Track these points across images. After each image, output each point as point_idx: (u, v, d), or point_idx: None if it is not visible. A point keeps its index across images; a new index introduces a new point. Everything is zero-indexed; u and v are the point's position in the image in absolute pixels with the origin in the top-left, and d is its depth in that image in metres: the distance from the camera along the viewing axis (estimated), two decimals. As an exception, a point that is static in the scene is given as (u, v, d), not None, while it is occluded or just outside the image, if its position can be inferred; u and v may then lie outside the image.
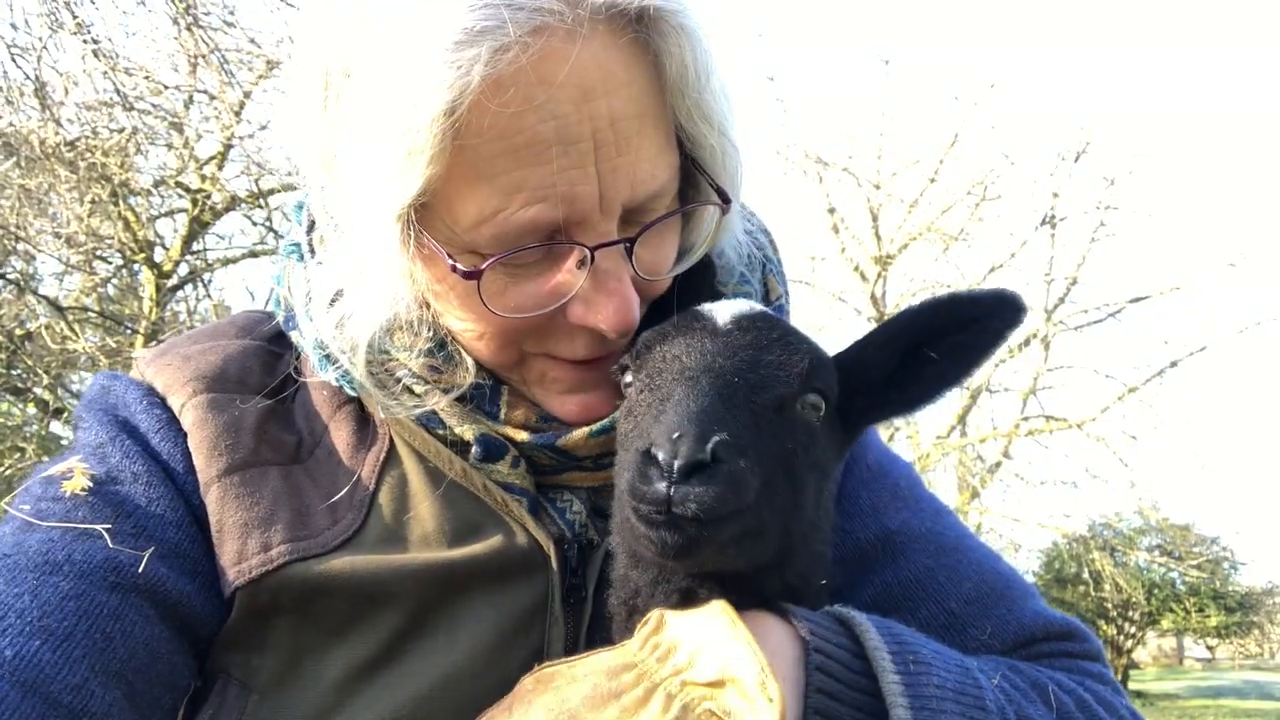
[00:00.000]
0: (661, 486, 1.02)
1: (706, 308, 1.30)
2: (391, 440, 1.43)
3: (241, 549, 1.30)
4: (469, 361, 1.41)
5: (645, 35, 1.24)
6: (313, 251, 1.48)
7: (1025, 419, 19.59)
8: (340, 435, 1.44)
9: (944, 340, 1.27)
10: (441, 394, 1.39)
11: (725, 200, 1.40)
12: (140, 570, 1.23)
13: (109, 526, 1.24)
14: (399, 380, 1.40)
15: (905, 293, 19.67)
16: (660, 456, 1.03)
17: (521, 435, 1.41)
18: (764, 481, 1.09)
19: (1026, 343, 18.99)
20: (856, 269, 18.88)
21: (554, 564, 1.38)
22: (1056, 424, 19.18)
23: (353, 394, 1.46)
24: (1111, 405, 18.57)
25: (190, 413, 1.38)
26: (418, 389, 1.40)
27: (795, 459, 1.17)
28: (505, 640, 1.33)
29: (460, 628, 1.32)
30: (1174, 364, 18.12)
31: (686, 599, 1.17)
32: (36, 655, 1.10)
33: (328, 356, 1.41)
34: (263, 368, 1.50)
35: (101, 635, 1.16)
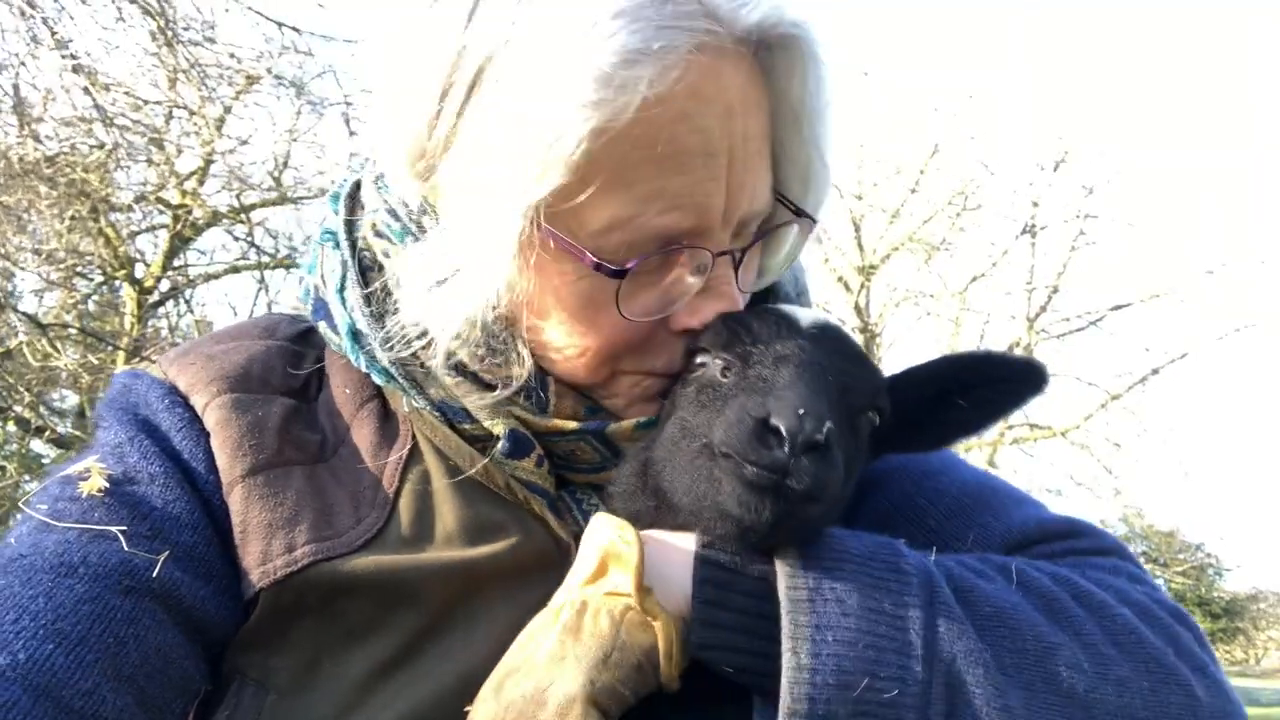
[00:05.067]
0: (781, 454, 1.05)
1: (782, 307, 1.37)
2: (414, 438, 1.42)
3: (266, 550, 1.28)
4: (525, 356, 1.40)
5: (775, 59, 1.30)
6: (352, 244, 1.48)
7: (1010, 427, 19.68)
8: (363, 433, 1.42)
9: (973, 392, 1.36)
10: (485, 389, 1.39)
11: (812, 221, 1.45)
12: (155, 574, 1.21)
13: (124, 528, 1.22)
14: (427, 371, 1.39)
15: (888, 303, 19.77)
16: (784, 427, 1.06)
17: (571, 425, 1.41)
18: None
19: (1009, 351, 19.10)
20: (840, 279, 18.96)
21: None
22: (1041, 432, 19.27)
23: (378, 385, 1.46)
24: (1094, 413, 18.68)
25: (214, 413, 1.37)
26: (448, 379, 1.39)
27: (856, 462, 1.25)
28: None
29: (478, 626, 1.31)
30: (1155, 371, 18.26)
31: None
32: (49, 659, 1.08)
33: (358, 342, 1.41)
34: (286, 368, 1.49)
35: (114, 639, 1.14)
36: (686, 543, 1.19)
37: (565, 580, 1.19)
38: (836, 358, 1.25)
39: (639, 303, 1.33)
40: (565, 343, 1.38)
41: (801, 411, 1.06)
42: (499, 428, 1.38)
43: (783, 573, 1.11)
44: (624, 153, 1.20)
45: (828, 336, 1.29)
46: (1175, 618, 1.25)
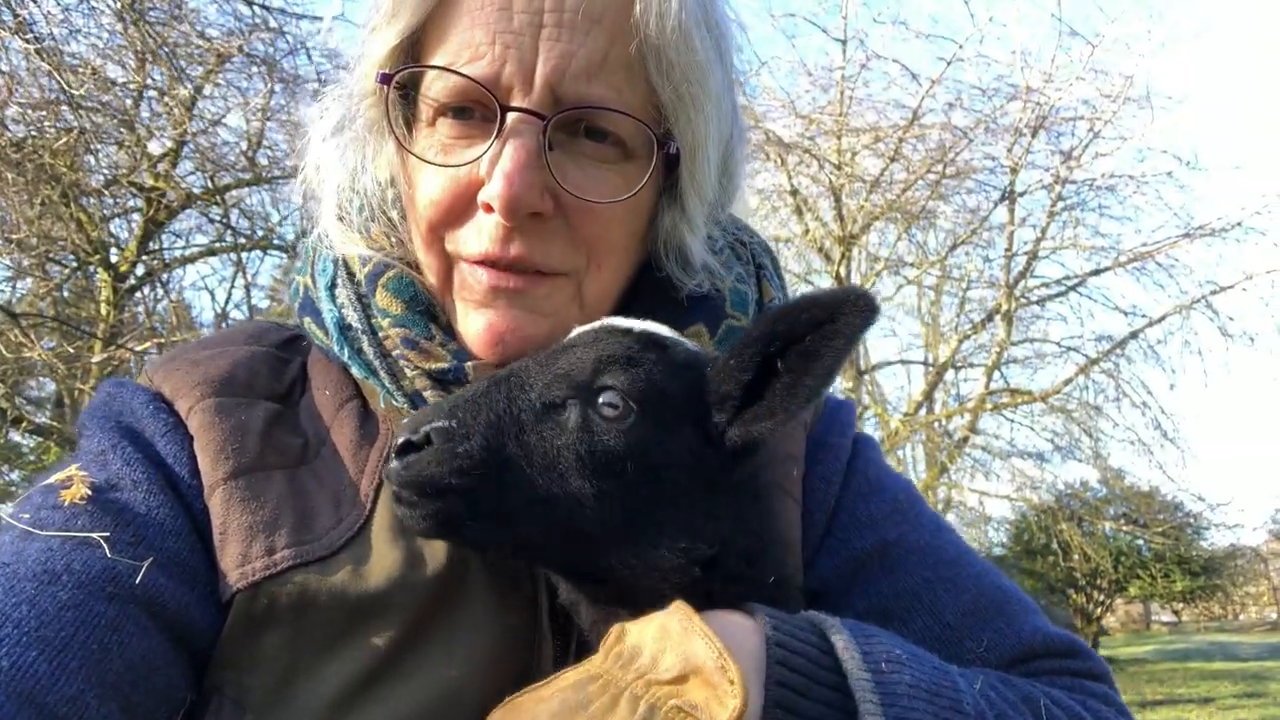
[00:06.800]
0: (391, 465, 1.21)
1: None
2: (393, 435, 1.40)
3: (245, 552, 1.27)
4: (440, 329, 1.42)
5: None
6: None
7: (990, 393, 19.81)
8: (343, 433, 1.42)
9: (792, 349, 1.21)
10: (425, 376, 1.38)
11: (660, 146, 1.39)
12: (138, 580, 1.20)
13: (107, 535, 1.21)
14: (394, 359, 1.40)
15: (869, 272, 19.80)
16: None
17: None
18: (520, 474, 1.19)
19: (990, 318, 19.19)
20: (820, 250, 18.96)
21: (543, 579, 1.35)
22: (1021, 398, 19.41)
23: (357, 385, 1.46)
24: (1075, 377, 18.81)
25: (197, 416, 1.37)
26: (409, 370, 1.39)
27: (572, 456, 1.20)
28: (499, 654, 1.31)
29: (456, 640, 1.29)
30: (1134, 335, 18.39)
31: (609, 619, 1.18)
32: (33, 666, 1.07)
33: (345, 335, 1.42)
34: (271, 373, 1.49)
35: (99, 646, 1.14)
36: (752, 638, 1.12)
37: (618, 652, 1.09)
38: (553, 355, 1.28)
39: (451, 159, 1.37)
40: (414, 227, 1.44)
41: (404, 421, 1.23)
42: None
43: (862, 705, 1.08)
44: (445, 9, 1.34)
45: (579, 335, 1.31)
46: None
